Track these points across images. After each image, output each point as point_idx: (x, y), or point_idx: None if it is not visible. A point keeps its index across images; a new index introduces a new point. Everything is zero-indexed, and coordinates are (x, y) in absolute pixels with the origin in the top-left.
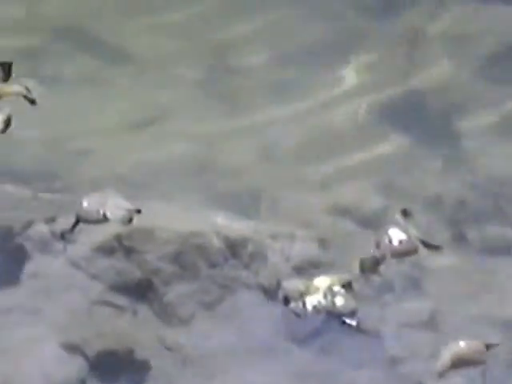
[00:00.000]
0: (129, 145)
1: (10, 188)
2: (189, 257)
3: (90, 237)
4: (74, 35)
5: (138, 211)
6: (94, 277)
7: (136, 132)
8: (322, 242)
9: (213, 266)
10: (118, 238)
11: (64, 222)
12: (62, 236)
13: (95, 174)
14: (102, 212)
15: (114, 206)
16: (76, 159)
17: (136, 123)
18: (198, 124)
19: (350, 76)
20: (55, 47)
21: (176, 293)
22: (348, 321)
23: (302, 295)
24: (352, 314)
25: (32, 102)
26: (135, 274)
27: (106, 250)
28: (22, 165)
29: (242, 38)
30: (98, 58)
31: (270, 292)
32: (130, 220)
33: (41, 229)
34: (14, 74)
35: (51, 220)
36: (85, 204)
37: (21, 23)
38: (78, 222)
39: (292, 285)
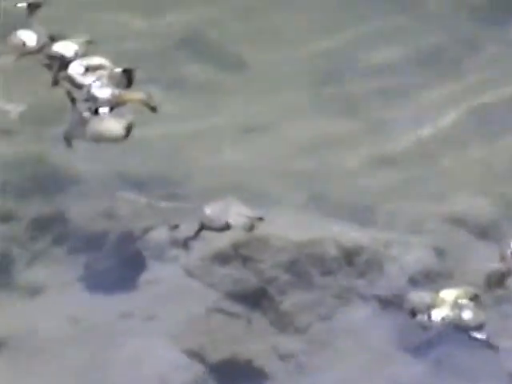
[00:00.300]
0: (243, 151)
1: (128, 195)
2: (304, 265)
3: (207, 245)
4: (193, 43)
5: (260, 219)
6: (210, 284)
7: (250, 138)
8: (438, 252)
9: (328, 274)
10: (235, 246)
11: (184, 229)
12: (185, 243)
13: (210, 182)
14: (225, 219)
15: (237, 213)
16: (192, 166)
17: (250, 129)
18: (311, 130)
19: (463, 85)
20: (175, 55)
21: (291, 302)
22: (477, 335)
23: (428, 308)
24: (480, 327)
25: (153, 108)
26: (250, 282)
27: (223, 258)
28: (140, 172)
29: (355, 45)
30: (216, 64)
31: (386, 302)
32: (252, 227)
33: (158, 236)
34: (136, 81)
35: (174, 227)
36: (208, 211)
37: (142, 32)
38: (201, 229)
39: (418, 297)
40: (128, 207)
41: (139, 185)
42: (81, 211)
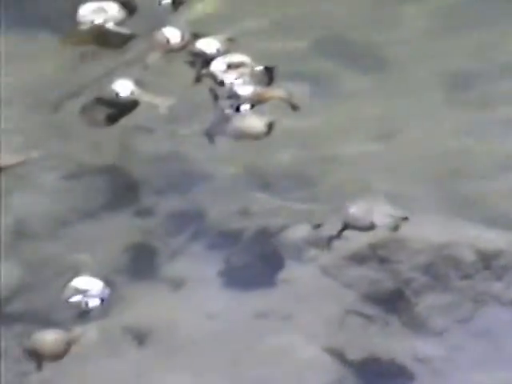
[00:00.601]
0: (379, 152)
1: (262, 194)
2: (441, 268)
3: (343, 245)
4: (332, 43)
5: (405, 218)
6: (347, 285)
7: (385, 139)
8: None
9: (465, 277)
10: (372, 246)
11: (321, 229)
12: (328, 242)
13: (344, 181)
14: (370, 219)
15: (382, 213)
16: (325, 166)
17: (386, 130)
18: (446, 133)
19: None
20: (313, 55)
21: (428, 304)
22: None
23: None
24: None
25: (294, 107)
26: (387, 283)
27: (359, 258)
28: (274, 170)
29: (492, 46)
30: (354, 66)
31: None
32: (397, 227)
33: (294, 234)
34: (276, 79)
35: (317, 226)
36: (352, 211)
37: (282, 31)
38: (345, 228)
39: None
40: (263, 205)
41: (273, 183)
42: (216, 208)
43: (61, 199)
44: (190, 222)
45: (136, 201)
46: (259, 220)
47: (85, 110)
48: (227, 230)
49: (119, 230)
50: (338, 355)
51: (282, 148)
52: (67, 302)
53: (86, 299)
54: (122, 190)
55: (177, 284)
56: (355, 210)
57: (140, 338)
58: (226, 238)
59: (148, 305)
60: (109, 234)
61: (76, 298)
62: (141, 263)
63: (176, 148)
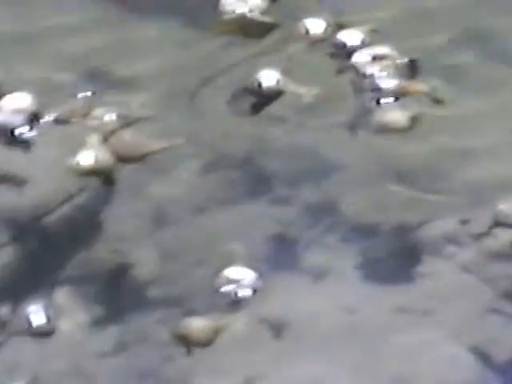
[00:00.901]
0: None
1: (398, 187)
2: None
3: (484, 242)
4: (472, 36)
5: None
6: (487, 283)
7: None
8: None
9: None
10: None
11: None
12: (477, 239)
13: (482, 177)
14: None
15: None
16: (464, 160)
17: None
18: None
19: None
20: (455, 48)
21: None
22: None
23: None
24: None
25: (438, 101)
26: None
27: (501, 256)
28: (410, 164)
29: None
30: (494, 59)
31: None
32: None
33: (432, 229)
34: (420, 72)
35: (464, 222)
36: (502, 207)
37: (422, 23)
38: (495, 225)
39: None
40: (398, 199)
41: (409, 177)
42: (350, 201)
43: (197, 187)
44: (324, 214)
45: (270, 191)
46: (395, 214)
47: (232, 99)
48: (362, 223)
49: (256, 220)
50: (480, 354)
51: (418, 141)
52: (218, 291)
53: (237, 289)
54: (257, 179)
55: (314, 276)
56: (506, 206)
57: (278, 329)
58: (362, 231)
59: (287, 296)
60: (247, 223)
61: (228, 288)
62: (279, 254)
63: (311, 139)
